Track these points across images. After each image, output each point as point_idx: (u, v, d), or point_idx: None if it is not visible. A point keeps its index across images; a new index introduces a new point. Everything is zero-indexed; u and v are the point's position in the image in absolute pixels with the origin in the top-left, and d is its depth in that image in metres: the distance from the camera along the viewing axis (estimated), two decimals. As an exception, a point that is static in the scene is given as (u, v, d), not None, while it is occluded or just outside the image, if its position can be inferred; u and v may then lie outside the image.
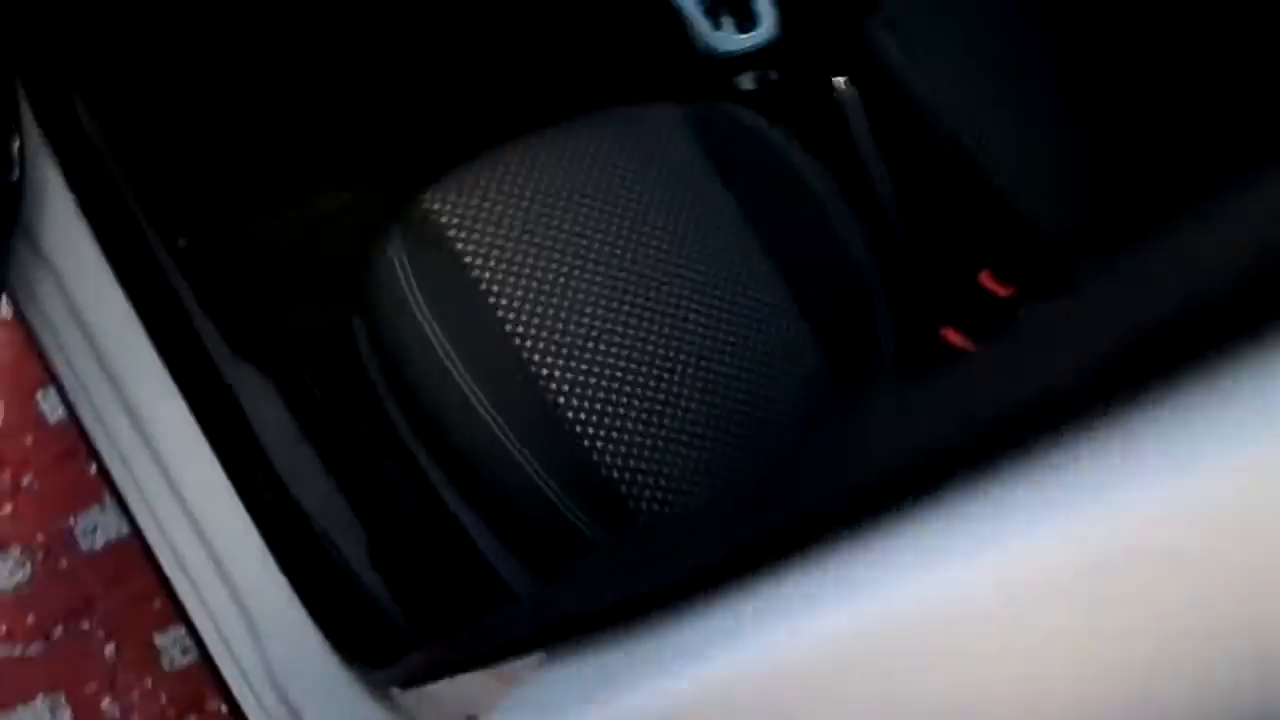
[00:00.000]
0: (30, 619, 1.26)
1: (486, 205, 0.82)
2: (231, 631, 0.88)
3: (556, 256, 0.82)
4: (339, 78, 1.25)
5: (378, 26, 1.26)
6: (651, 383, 0.80)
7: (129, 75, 1.14)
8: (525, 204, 0.83)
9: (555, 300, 0.80)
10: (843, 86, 1.09)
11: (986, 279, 1.05)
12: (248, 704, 0.89)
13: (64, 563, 1.29)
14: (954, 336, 1.01)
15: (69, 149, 1.00)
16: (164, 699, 1.27)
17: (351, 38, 1.25)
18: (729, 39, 1.15)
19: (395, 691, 0.81)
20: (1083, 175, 1.17)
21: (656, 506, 0.79)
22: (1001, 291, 1.04)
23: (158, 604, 1.25)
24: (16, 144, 0.94)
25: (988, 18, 1.26)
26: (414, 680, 0.74)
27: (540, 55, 1.33)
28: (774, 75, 1.19)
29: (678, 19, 1.16)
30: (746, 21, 1.18)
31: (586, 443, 0.77)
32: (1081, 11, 1.26)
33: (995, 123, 1.11)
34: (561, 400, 0.77)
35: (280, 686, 0.84)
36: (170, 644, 1.28)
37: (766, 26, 1.16)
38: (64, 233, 0.99)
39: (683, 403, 0.81)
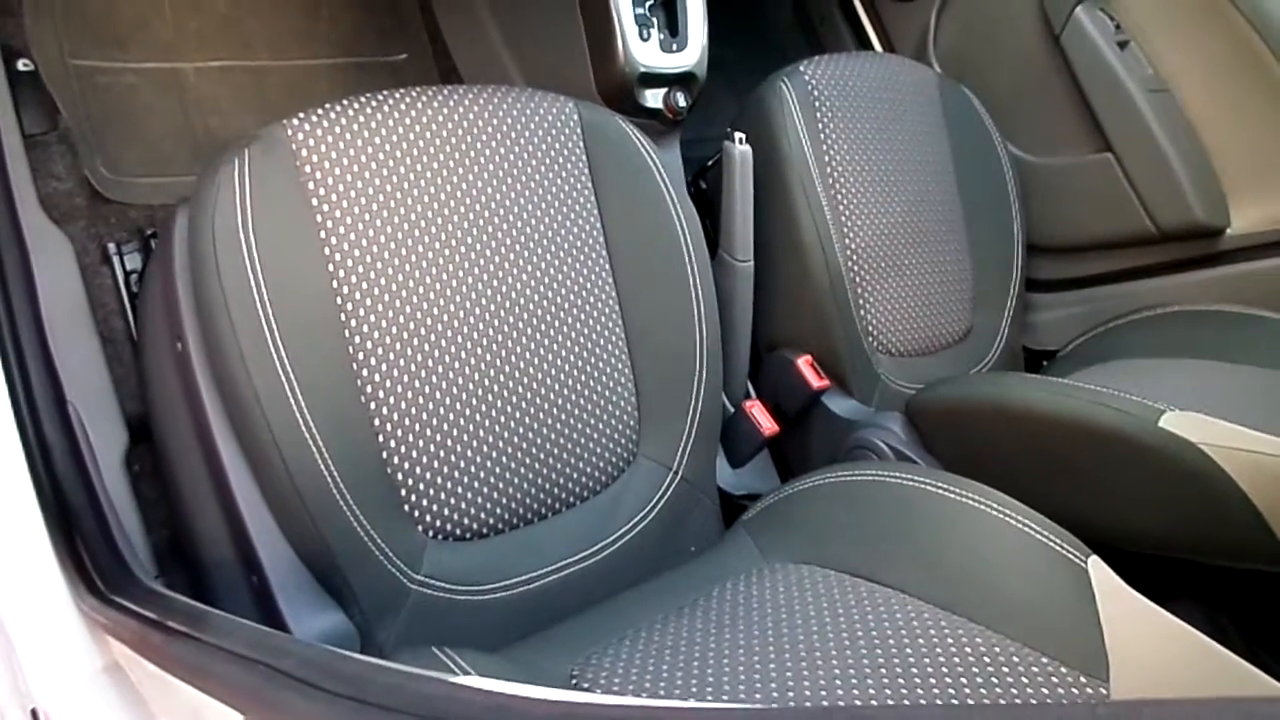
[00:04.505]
0: None
1: (346, 141, 0.78)
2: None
3: (402, 213, 0.79)
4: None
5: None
6: (465, 392, 0.79)
7: None
8: (387, 151, 0.80)
9: (391, 265, 0.78)
10: (737, 143, 1.11)
11: (806, 364, 1.10)
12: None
13: None
14: (757, 412, 1.05)
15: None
16: None
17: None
18: (650, 53, 1.14)
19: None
20: (923, 316, 1.24)
21: (435, 520, 0.78)
22: (816, 382, 1.09)
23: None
24: None
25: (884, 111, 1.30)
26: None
27: None
28: (682, 102, 1.19)
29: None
30: (674, 39, 1.17)
31: (381, 436, 0.75)
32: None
33: (861, 230, 1.15)
34: (369, 388, 0.75)
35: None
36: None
37: (690, 53, 1.16)
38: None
39: (496, 426, 0.81)
